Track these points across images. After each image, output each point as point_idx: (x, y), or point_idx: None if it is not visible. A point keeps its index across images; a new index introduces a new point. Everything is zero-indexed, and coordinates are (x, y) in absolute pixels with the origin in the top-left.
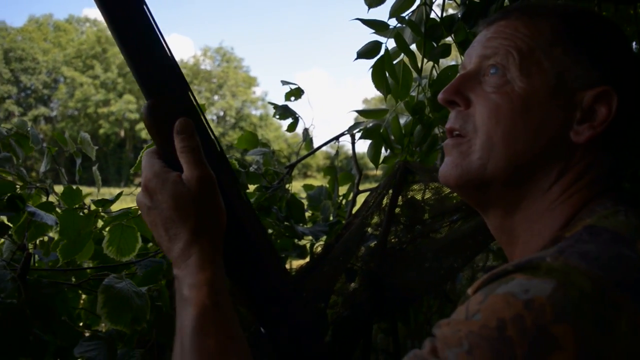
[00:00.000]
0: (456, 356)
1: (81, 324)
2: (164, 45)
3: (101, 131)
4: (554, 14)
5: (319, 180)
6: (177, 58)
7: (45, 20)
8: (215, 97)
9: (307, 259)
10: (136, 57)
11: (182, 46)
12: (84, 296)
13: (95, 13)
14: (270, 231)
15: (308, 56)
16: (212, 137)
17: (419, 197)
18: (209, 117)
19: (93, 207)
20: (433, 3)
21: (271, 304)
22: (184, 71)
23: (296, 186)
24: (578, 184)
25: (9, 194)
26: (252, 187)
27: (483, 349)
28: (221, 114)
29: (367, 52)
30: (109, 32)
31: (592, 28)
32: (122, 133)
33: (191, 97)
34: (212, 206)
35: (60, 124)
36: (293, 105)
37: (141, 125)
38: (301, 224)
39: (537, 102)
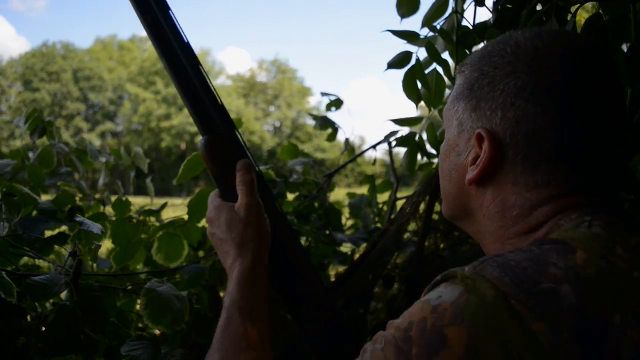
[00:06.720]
0: (373, 351)
1: (140, 325)
2: (214, 90)
3: (163, 144)
4: (467, 65)
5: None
6: (234, 71)
7: (110, 40)
8: (272, 109)
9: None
10: (195, 102)
11: (239, 59)
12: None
13: None
14: (309, 239)
15: (363, 64)
16: (252, 161)
17: None
18: (265, 127)
19: (142, 217)
20: (464, 11)
21: (306, 307)
22: (240, 84)
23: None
24: (514, 221)
25: (69, 206)
26: (291, 197)
27: (390, 347)
28: (277, 124)
29: (397, 62)
30: None
31: (482, 71)
32: (183, 146)
33: (238, 134)
34: (257, 228)
35: (126, 138)
36: (344, 114)
37: (201, 137)
38: (340, 232)
39: (450, 149)
